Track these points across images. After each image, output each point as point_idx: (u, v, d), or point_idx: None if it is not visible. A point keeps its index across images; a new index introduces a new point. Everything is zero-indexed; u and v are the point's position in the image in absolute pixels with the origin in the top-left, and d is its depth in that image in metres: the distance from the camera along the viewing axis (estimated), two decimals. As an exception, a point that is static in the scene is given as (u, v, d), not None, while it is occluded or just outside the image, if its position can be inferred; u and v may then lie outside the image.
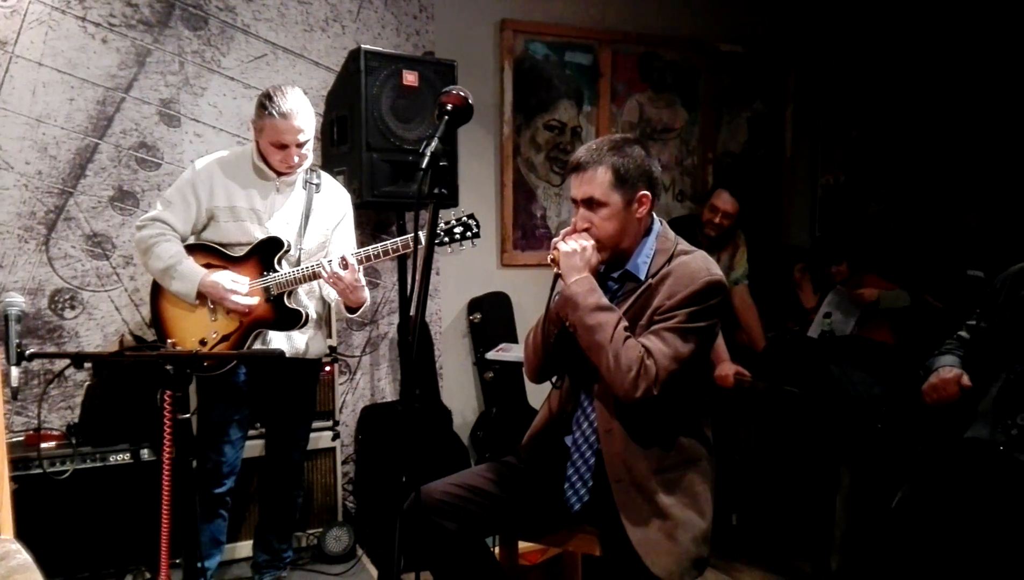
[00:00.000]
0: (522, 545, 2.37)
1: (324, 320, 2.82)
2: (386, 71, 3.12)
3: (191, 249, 2.57)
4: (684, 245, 2.03)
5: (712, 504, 1.99)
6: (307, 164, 2.66)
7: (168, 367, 1.78)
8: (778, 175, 4.76)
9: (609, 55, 4.15)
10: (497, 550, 2.23)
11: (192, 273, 2.51)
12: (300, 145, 2.54)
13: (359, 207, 3.16)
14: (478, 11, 3.82)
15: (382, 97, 3.12)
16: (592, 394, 2.01)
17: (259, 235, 2.58)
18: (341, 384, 3.54)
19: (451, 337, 3.91)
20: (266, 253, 2.58)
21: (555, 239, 1.99)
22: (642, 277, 1.98)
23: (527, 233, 4.07)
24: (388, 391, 3.72)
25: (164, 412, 1.81)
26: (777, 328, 3.81)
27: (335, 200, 2.78)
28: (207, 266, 2.56)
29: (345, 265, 2.47)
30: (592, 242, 1.94)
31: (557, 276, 1.96)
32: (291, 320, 2.58)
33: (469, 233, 2.48)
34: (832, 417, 3.05)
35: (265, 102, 2.50)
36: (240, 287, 2.52)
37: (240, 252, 2.59)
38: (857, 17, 4.80)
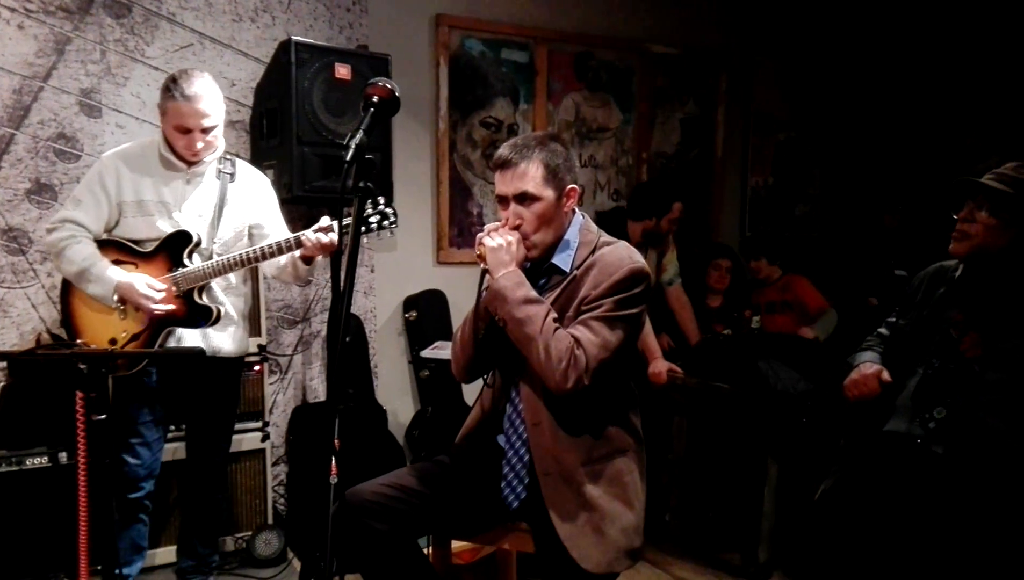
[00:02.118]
0: (456, 544, 2.35)
1: (247, 317, 2.75)
2: (318, 64, 3.06)
3: (100, 245, 2.48)
4: (606, 237, 2.06)
5: (643, 494, 2.00)
6: (217, 153, 2.58)
7: (82, 366, 1.70)
8: (709, 176, 4.84)
9: (545, 53, 4.16)
10: (430, 550, 2.22)
11: (106, 276, 2.42)
12: (205, 131, 2.46)
13: (290, 202, 3.09)
14: (413, 5, 3.78)
15: (314, 90, 3.06)
16: (521, 389, 2.01)
17: (169, 229, 2.50)
18: (271, 384, 3.46)
19: (386, 335, 3.86)
20: (174, 248, 2.49)
21: (480, 235, 1.99)
22: (567, 270, 2.00)
23: (463, 231, 4.05)
24: (320, 391, 3.65)
25: (77, 413, 1.73)
26: (707, 330, 3.88)
27: (252, 188, 2.69)
28: (116, 263, 2.48)
29: (327, 230, 2.41)
30: (518, 236, 1.95)
31: (484, 272, 1.96)
32: (202, 317, 2.50)
33: (386, 222, 2.40)
34: (760, 412, 3.12)
35: (170, 85, 2.43)
36: (155, 293, 2.43)
37: (150, 248, 2.50)
38: (786, 24, 4.93)
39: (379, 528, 1.92)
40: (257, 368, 3.16)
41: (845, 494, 2.15)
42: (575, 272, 1.98)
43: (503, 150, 1.98)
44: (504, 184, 1.97)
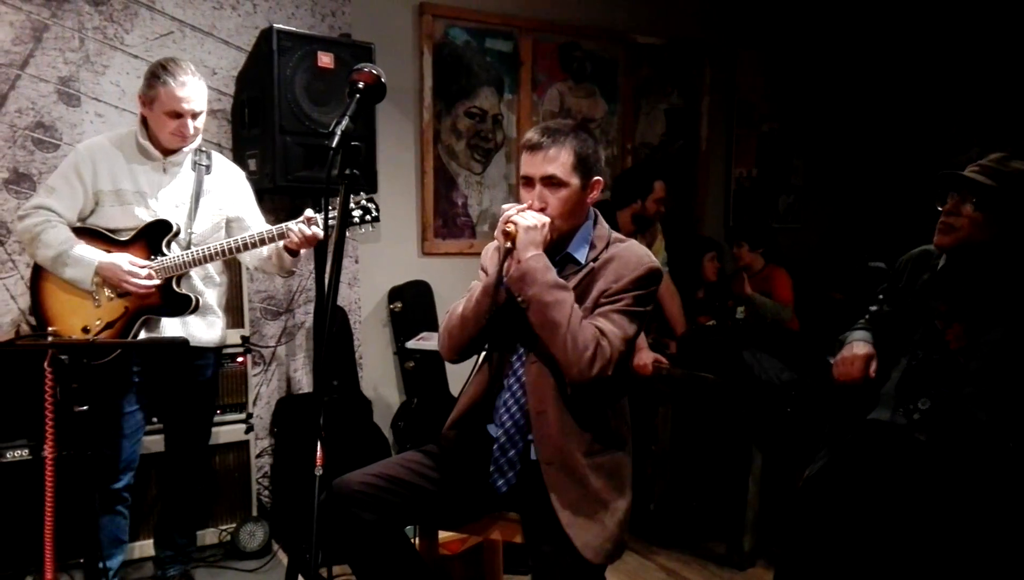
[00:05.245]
0: (442, 535, 2.35)
1: (224, 308, 2.74)
2: (300, 52, 3.03)
3: (75, 233, 2.46)
4: (616, 233, 2.09)
5: (632, 487, 2.02)
6: (195, 143, 2.58)
7: (63, 357, 1.68)
8: (694, 167, 4.85)
9: (530, 43, 4.14)
10: (416, 541, 2.21)
11: (86, 257, 2.41)
12: (195, 116, 2.48)
13: (272, 192, 3.07)
14: (396, -6, 3.75)
15: (296, 79, 3.03)
16: (522, 376, 2.01)
17: (147, 218, 2.49)
18: (255, 375, 3.43)
19: (371, 326, 3.84)
20: (153, 236, 2.48)
21: (508, 213, 1.96)
22: (583, 261, 2.02)
23: (448, 221, 4.03)
24: (305, 382, 3.63)
25: (45, 402, 1.70)
26: (691, 322, 3.89)
27: (228, 180, 2.70)
28: None
29: (311, 222, 2.43)
30: (549, 220, 1.95)
31: (507, 251, 1.94)
32: (180, 306, 2.50)
33: (368, 217, 2.42)
34: (744, 401, 3.14)
35: (159, 71, 2.44)
36: (140, 269, 2.42)
37: (127, 237, 2.49)
38: (768, 15, 4.93)
39: (367, 518, 1.91)
40: (240, 359, 3.13)
41: (829, 481, 2.16)
42: (591, 265, 2.00)
43: (533, 133, 1.99)
44: (533, 166, 1.98)
